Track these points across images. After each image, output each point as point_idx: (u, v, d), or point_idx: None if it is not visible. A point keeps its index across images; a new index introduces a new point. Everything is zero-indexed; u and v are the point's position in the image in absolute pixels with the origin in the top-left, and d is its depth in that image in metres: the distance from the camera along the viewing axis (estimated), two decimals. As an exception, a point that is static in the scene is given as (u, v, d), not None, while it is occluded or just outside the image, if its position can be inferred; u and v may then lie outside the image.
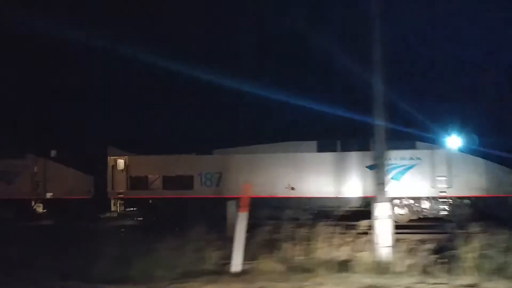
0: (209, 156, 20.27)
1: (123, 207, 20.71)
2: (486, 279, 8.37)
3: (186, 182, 20.00)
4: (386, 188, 9.93)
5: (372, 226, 9.86)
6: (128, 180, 20.40)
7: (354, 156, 18.09)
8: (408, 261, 9.05)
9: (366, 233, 10.17)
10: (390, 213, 9.74)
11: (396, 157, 17.99)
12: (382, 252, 9.51)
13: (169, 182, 20.11)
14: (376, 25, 10.02)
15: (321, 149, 18.73)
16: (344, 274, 8.86)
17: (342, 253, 9.60)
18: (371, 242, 9.77)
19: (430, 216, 17.55)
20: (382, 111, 10.00)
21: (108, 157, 20.86)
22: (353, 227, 10.48)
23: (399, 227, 10.35)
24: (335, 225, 10.37)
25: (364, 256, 9.40)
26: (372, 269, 9.08)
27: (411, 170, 18.03)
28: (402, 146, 18.17)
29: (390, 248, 9.51)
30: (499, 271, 8.60)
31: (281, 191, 18.74)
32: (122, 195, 20.59)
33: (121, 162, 20.79)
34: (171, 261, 9.53)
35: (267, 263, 9.48)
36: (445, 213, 17.49)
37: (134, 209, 20.65)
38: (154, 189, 20.25)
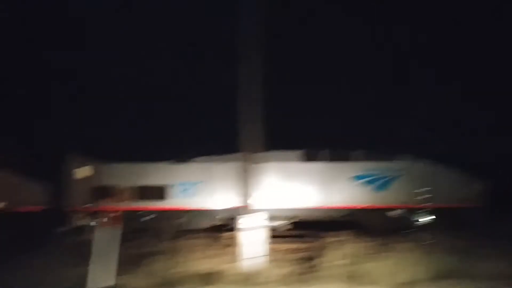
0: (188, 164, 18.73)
1: (86, 220, 18.87)
2: (353, 285, 8.55)
3: (160, 192, 18.31)
4: (253, 199, 9.84)
5: (242, 237, 9.70)
6: (93, 191, 18.26)
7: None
8: (278, 271, 8.99)
9: (237, 244, 9.98)
10: (264, 223, 9.63)
11: (378, 169, 18.32)
12: (252, 262, 9.36)
13: (141, 192, 18.29)
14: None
15: None
16: (211, 287, 8.61)
17: (213, 265, 9.31)
18: (242, 253, 9.59)
19: (407, 226, 18.04)
20: (252, 118, 9.90)
21: (70, 164, 18.45)
22: (224, 238, 10.28)
23: (273, 236, 10.31)
24: (208, 237, 10.10)
25: (235, 267, 9.22)
26: (242, 280, 8.91)
27: (394, 181, 18.30)
28: (384, 158, 18.50)
29: (261, 258, 9.38)
30: (362, 277, 8.81)
31: None
32: (85, 207, 18.25)
33: (85, 170, 18.76)
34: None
35: (135, 278, 8.97)
36: (423, 222, 18.08)
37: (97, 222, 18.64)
38: (123, 200, 18.20)
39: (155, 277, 9.03)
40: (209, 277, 8.86)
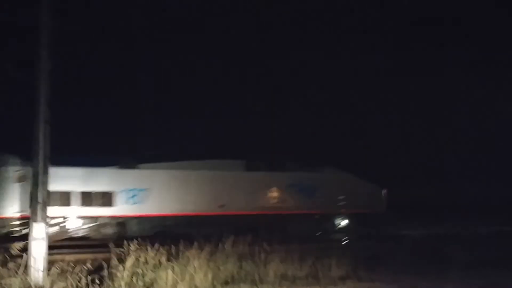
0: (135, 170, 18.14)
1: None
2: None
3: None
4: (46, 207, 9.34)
5: (27, 248, 9.15)
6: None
7: None
8: (61, 284, 8.63)
9: (21, 257, 9.36)
10: (46, 233, 9.18)
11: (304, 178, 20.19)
12: (36, 276, 8.88)
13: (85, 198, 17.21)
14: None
15: None
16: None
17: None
18: (25, 266, 9.00)
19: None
20: (45, 121, 9.41)
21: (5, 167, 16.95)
22: (7, 250, 9.54)
23: (53, 247, 9.88)
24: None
25: (14, 282, 8.60)
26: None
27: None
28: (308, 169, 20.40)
29: (44, 271, 8.94)
30: (149, 287, 8.99)
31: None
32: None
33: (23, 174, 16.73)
34: None
35: None
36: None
37: None
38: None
39: None
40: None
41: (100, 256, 10.98)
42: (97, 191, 17.73)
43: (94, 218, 17.41)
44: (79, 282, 8.70)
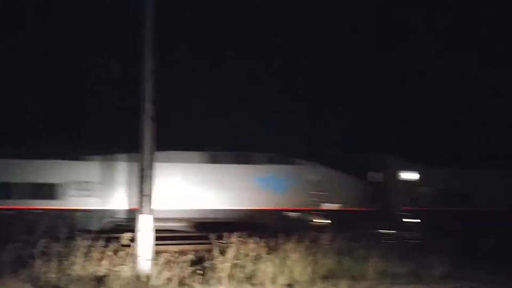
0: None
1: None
2: (237, 286, 8.80)
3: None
4: (152, 200, 9.72)
5: (134, 239, 9.59)
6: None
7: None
8: (166, 274, 8.96)
9: (128, 246, 9.85)
10: (152, 225, 9.56)
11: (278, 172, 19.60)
12: (143, 265, 9.28)
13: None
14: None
15: None
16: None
17: (101, 268, 9.11)
18: (133, 255, 9.46)
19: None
20: (150, 118, 9.80)
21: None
22: (116, 240, 10.08)
23: (159, 238, 10.24)
24: (96, 238, 9.79)
25: (124, 270, 9.06)
26: (131, 283, 8.80)
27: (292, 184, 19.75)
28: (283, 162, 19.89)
29: (151, 261, 9.32)
30: (249, 279, 9.09)
31: None
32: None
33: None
34: None
35: (12, 284, 8.53)
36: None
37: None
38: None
39: (37, 280, 8.67)
40: (99, 280, 8.67)
41: (201, 247, 11.34)
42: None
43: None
44: (183, 271, 9.03)
